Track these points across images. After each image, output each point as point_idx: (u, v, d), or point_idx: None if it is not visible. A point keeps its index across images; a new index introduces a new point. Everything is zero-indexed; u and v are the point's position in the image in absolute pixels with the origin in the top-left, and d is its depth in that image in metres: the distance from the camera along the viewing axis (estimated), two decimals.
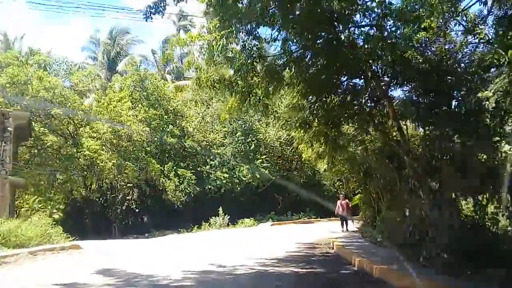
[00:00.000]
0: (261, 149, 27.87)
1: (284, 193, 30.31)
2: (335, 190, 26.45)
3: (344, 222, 17.34)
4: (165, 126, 26.07)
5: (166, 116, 26.43)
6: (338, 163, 15.71)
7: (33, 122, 20.37)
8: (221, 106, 28.78)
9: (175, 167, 24.95)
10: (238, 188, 26.36)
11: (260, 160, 26.82)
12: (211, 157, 26.69)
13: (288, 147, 29.31)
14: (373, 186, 14.79)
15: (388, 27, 7.54)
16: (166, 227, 24.12)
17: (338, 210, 17.51)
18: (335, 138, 10.73)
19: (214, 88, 8.86)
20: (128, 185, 25.14)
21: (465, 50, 8.38)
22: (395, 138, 9.39)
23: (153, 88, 26.65)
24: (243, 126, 27.67)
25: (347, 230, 16.97)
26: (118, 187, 25.28)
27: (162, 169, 24.60)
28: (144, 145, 25.21)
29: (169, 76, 41.54)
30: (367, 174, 14.57)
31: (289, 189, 30.68)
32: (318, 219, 28.67)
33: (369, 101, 9.78)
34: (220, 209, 24.19)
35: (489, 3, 7.28)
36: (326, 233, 17.05)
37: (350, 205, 17.85)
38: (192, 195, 25.12)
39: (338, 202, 17.68)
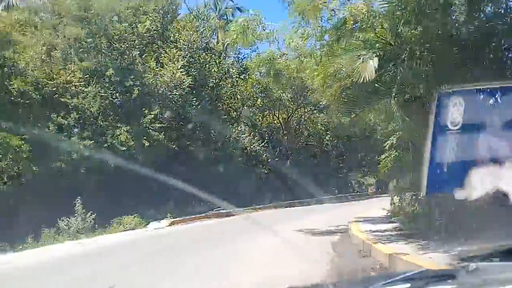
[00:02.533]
0: (150, 100, 18.29)
1: (187, 173, 21.18)
2: None
3: None
4: None
5: None
6: None
7: None
8: None
9: None
10: (112, 165, 16.60)
11: (151, 117, 17.31)
12: (62, 113, 16.37)
13: (194, 99, 20.15)
14: None
15: None
16: None
17: None
18: None
19: None
20: None
21: None
22: None
23: None
24: (118, 61, 17.75)
25: None
26: None
27: None
28: None
29: None
30: None
31: (193, 166, 21.69)
32: (240, 209, 20.28)
33: None
34: (78, 201, 14.40)
35: None
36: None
37: None
38: (24, 180, 14.75)
39: None
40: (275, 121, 27.08)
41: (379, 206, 17.64)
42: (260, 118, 26.69)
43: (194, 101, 20.55)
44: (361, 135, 28.52)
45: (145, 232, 14.39)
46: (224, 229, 13.93)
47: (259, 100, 24.72)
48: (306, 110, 27.29)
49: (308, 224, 12.07)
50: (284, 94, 23.77)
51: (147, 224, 15.98)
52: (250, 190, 23.67)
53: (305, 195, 26.38)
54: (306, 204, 22.88)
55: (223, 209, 19.84)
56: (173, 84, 18.22)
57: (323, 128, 28.73)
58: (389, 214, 11.84)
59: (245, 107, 24.52)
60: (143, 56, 19.60)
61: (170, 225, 15.81)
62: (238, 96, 23.78)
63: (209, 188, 21.82)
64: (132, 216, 16.00)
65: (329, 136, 28.89)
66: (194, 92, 20.47)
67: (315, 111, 27.39)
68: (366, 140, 30.25)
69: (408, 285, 1.32)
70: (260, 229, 12.53)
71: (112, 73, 16.94)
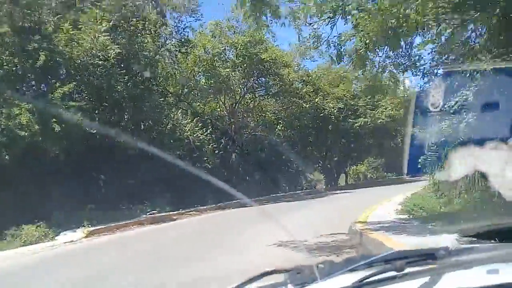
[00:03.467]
0: (63, 71, 14.23)
1: (112, 167, 17.21)
2: None
3: None
4: None
5: None
6: None
7: None
8: None
9: None
10: (7, 157, 12.55)
11: (63, 92, 13.30)
12: None
13: (122, 71, 16.21)
14: None
15: None
16: None
17: None
18: None
19: None
20: None
21: None
22: None
23: None
24: (18, 17, 13.48)
25: None
26: None
27: None
28: None
29: None
30: None
31: (121, 160, 17.74)
32: (181, 211, 16.85)
33: None
34: None
35: None
36: None
37: None
38: None
39: None
40: (220, 108, 23.71)
41: (355, 204, 15.07)
42: (202, 104, 23.14)
43: (123, 77, 16.63)
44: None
45: (48, 249, 10.42)
46: (161, 243, 10.30)
47: (202, 81, 21.20)
48: (255, 96, 24.15)
49: (282, 233, 8.83)
50: (233, 73, 20.42)
51: (56, 237, 12.02)
52: (192, 188, 20.06)
53: (254, 193, 23.28)
54: (258, 204, 19.76)
55: (159, 213, 16.29)
56: (94, 52, 14.24)
57: (273, 117, 25.79)
58: (410, 216, 8.90)
59: (185, 89, 20.82)
60: (56, 18, 15.37)
61: (87, 236, 11.96)
62: (177, 75, 20.09)
63: (142, 186, 18.14)
64: (35, 226, 11.95)
65: (281, 125, 26.03)
66: (122, 65, 16.56)
67: (267, 97, 24.38)
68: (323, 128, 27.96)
69: (389, 265, 1.34)
70: (217, 243, 9.21)
71: (7, 31, 12.68)
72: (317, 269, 1.35)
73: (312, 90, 24.64)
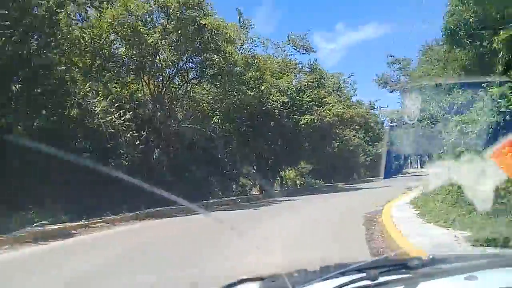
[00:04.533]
0: None
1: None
2: None
3: None
4: None
5: None
6: None
7: None
8: None
9: None
10: None
11: None
12: None
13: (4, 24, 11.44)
14: None
15: None
16: None
17: None
18: None
19: None
20: None
21: None
22: None
23: None
24: None
25: None
26: None
27: None
28: None
29: None
30: None
31: (5, 151, 12.84)
32: (84, 222, 12.41)
33: None
34: None
35: None
36: None
37: None
38: None
39: None
40: (142, 92, 19.36)
41: (327, 215, 11.96)
42: (120, 85, 18.57)
43: (5, 33, 11.86)
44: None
45: None
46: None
47: (121, 50, 16.76)
48: (188, 79, 20.06)
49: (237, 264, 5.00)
50: (163, 41, 16.15)
51: None
52: (101, 190, 15.46)
53: (181, 198, 19.08)
54: (186, 213, 15.84)
55: (51, 224, 11.74)
56: None
57: (208, 108, 21.81)
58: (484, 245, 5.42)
59: (97, 61, 16.18)
60: None
61: None
62: (87, 41, 15.48)
63: (27, 187, 13.44)
64: None
65: (217, 118, 22.11)
66: (6, 22, 11.78)
67: (202, 81, 20.36)
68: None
69: (363, 274, 1.38)
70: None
71: None
72: (291, 278, 1.36)
73: (257, 77, 21.17)
